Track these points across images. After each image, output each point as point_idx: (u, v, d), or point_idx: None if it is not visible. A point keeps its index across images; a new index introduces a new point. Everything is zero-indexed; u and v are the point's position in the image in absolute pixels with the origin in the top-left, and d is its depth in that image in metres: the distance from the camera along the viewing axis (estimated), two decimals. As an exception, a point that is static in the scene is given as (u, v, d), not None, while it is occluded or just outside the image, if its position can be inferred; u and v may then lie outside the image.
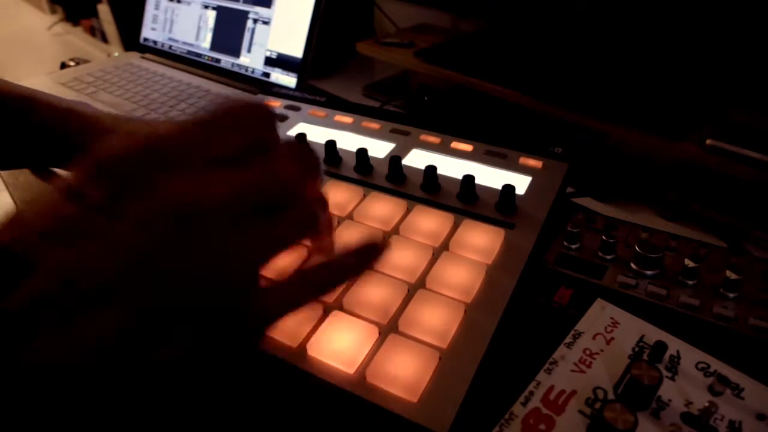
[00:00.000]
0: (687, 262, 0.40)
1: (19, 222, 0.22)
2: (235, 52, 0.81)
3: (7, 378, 0.19)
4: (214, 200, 0.21)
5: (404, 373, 0.33)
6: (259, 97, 0.26)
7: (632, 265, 0.42)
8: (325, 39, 0.74)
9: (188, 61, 0.87)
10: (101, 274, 0.20)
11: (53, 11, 2.91)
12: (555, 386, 0.33)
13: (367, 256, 0.27)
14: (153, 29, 0.93)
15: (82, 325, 0.19)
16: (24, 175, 0.63)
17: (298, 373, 0.34)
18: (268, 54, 0.77)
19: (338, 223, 0.45)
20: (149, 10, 0.94)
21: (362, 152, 0.51)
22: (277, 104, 0.65)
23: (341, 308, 0.38)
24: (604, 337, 0.36)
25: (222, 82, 0.81)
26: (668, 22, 0.65)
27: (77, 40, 2.60)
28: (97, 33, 2.33)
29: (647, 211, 0.60)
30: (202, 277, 0.21)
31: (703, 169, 0.57)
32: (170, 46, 0.91)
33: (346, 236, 0.43)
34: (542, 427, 0.31)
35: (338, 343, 0.35)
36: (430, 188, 0.48)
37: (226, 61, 0.82)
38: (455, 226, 0.44)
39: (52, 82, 0.85)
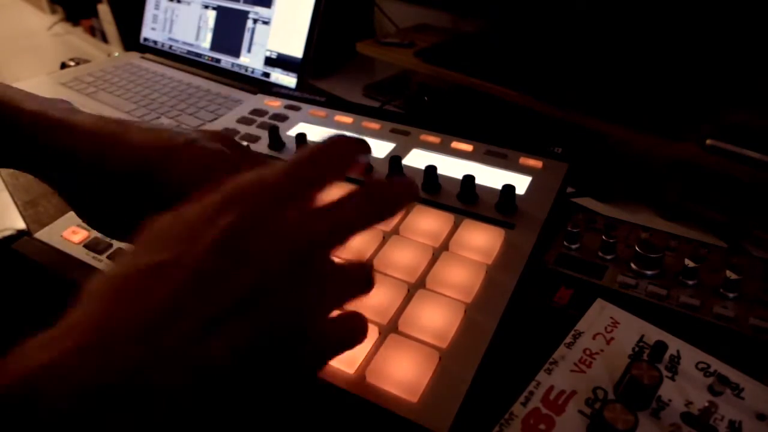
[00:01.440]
0: (687, 262, 0.40)
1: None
2: (235, 52, 0.81)
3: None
4: (323, 236, 0.25)
5: (404, 373, 0.33)
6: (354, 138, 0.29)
7: (632, 265, 0.42)
8: (325, 39, 0.74)
9: (188, 61, 0.87)
10: (240, 290, 0.22)
11: (53, 11, 2.91)
12: (555, 386, 0.33)
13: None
14: (153, 29, 0.93)
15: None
16: (24, 175, 0.63)
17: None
18: (268, 54, 0.77)
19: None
20: (149, 10, 0.94)
21: (362, 152, 0.50)
22: (277, 104, 0.65)
23: (341, 308, 0.37)
24: (604, 337, 0.36)
25: (222, 82, 0.81)
26: (668, 22, 0.65)
27: (77, 40, 2.60)
28: (97, 33, 2.33)
29: (647, 211, 0.60)
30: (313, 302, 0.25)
31: (703, 169, 0.57)
32: (170, 46, 0.91)
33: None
34: (542, 427, 0.31)
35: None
36: (430, 188, 0.48)
37: (226, 61, 0.82)
38: (455, 226, 0.44)
39: (52, 82, 0.85)
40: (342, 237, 0.26)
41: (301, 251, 0.24)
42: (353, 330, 0.28)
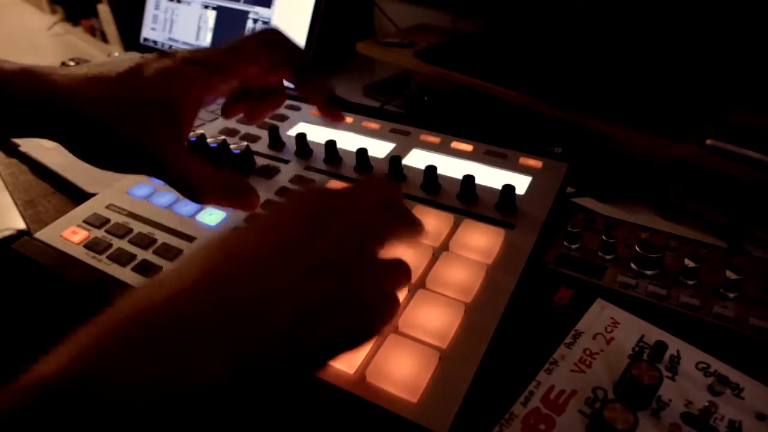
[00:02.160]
0: (687, 262, 0.40)
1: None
2: (235, 52, 0.81)
3: None
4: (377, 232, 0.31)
5: (404, 373, 0.33)
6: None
7: (632, 265, 0.42)
8: (325, 39, 0.74)
9: (188, 61, 0.87)
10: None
11: (53, 11, 2.91)
12: (555, 386, 0.33)
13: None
14: (153, 29, 0.93)
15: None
16: (24, 175, 0.64)
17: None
18: (268, 54, 0.77)
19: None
20: (149, 10, 0.94)
21: (362, 152, 0.51)
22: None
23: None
24: (604, 337, 0.36)
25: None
26: (668, 22, 0.65)
27: (77, 40, 2.60)
28: (97, 33, 2.33)
29: (647, 211, 0.60)
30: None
31: (703, 169, 0.57)
32: (170, 46, 0.90)
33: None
34: (542, 427, 0.31)
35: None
36: (430, 188, 0.48)
37: (226, 61, 0.82)
38: (455, 226, 0.44)
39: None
40: (389, 236, 0.31)
41: (362, 239, 0.29)
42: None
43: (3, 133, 0.38)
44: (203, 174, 0.37)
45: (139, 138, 0.35)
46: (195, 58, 0.37)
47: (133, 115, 0.34)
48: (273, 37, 0.40)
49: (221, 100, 0.43)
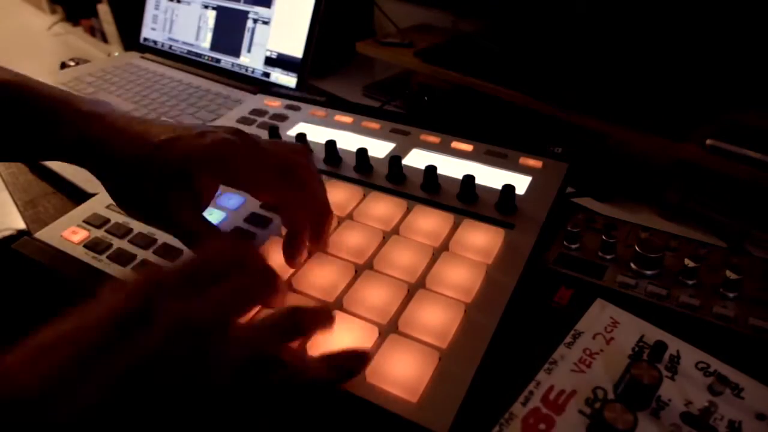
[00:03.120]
0: (687, 262, 0.40)
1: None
2: (235, 52, 0.81)
3: None
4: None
5: (404, 373, 0.33)
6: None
7: (632, 265, 0.42)
8: (325, 39, 0.74)
9: (188, 61, 0.87)
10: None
11: (53, 11, 2.91)
12: (555, 386, 0.33)
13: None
14: (153, 29, 0.93)
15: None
16: (24, 175, 0.63)
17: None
18: (268, 54, 0.77)
19: (339, 223, 0.45)
20: (149, 10, 0.94)
21: (362, 152, 0.51)
22: (277, 104, 0.65)
23: (341, 308, 0.38)
24: (604, 337, 0.36)
25: (222, 82, 0.81)
26: (668, 22, 0.65)
27: (77, 40, 2.60)
28: (97, 33, 2.33)
29: (647, 211, 0.60)
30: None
31: (703, 169, 0.57)
32: (170, 46, 0.91)
33: (346, 237, 0.43)
34: (542, 427, 0.31)
35: (338, 343, 0.35)
36: (430, 188, 0.48)
37: (226, 61, 0.82)
38: (455, 226, 0.44)
39: (52, 82, 0.84)
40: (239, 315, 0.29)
41: (198, 334, 0.26)
42: None
43: (42, 157, 0.44)
44: (212, 236, 0.38)
45: (163, 203, 0.37)
46: (221, 149, 0.37)
47: (160, 183, 0.37)
48: (297, 171, 0.39)
49: None
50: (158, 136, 0.37)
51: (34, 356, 0.23)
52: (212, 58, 0.84)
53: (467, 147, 0.53)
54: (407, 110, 0.85)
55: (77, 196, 0.56)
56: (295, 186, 0.38)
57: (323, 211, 0.41)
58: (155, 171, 0.36)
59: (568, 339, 0.36)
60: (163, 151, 0.37)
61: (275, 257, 0.40)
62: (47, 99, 0.39)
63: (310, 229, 0.40)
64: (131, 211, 0.41)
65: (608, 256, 0.43)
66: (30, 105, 0.39)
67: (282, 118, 0.62)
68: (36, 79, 0.41)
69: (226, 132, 0.38)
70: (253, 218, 0.47)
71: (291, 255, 0.40)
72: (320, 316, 0.32)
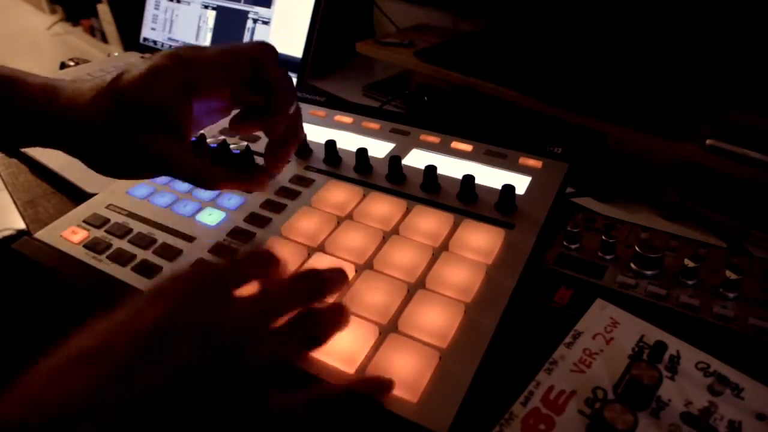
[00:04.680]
0: (687, 262, 0.40)
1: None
2: (235, 52, 0.81)
3: None
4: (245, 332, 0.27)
5: (404, 373, 0.33)
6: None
7: (632, 265, 0.42)
8: (325, 39, 0.74)
9: (188, 61, 0.87)
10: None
11: (53, 11, 2.91)
12: (555, 386, 0.33)
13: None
14: (153, 29, 0.93)
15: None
16: (24, 175, 0.64)
17: (298, 373, 0.34)
18: (268, 54, 0.77)
19: (338, 223, 0.45)
20: (149, 10, 0.94)
21: (362, 152, 0.51)
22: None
23: (341, 308, 0.37)
24: (604, 337, 0.36)
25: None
26: (668, 22, 0.65)
27: (77, 40, 2.60)
28: (96, 33, 2.33)
29: (647, 211, 0.60)
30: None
31: (703, 169, 0.57)
32: (170, 46, 0.90)
33: (346, 237, 0.43)
34: (542, 427, 0.31)
35: (338, 343, 0.34)
36: (430, 188, 0.48)
37: (226, 61, 0.82)
38: (455, 226, 0.44)
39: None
40: (265, 325, 0.28)
41: (222, 347, 0.25)
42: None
43: (18, 143, 0.41)
44: (209, 165, 0.38)
45: (145, 145, 0.35)
46: (173, 55, 0.36)
47: (131, 124, 0.35)
48: (261, 56, 0.37)
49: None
50: (108, 78, 0.36)
51: (70, 371, 0.23)
52: (212, 58, 0.84)
53: (467, 147, 0.53)
54: (407, 110, 0.85)
55: (77, 196, 0.56)
56: (267, 87, 0.37)
57: (296, 107, 0.40)
58: (122, 116, 0.35)
59: (568, 339, 0.36)
60: (117, 91, 0.35)
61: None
62: (36, 88, 0.38)
63: (286, 130, 0.40)
64: (118, 172, 0.38)
65: (608, 256, 0.43)
66: (22, 96, 0.38)
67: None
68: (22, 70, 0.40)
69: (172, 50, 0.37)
70: (253, 218, 0.47)
71: (277, 160, 0.40)
72: (336, 317, 0.31)
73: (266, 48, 0.38)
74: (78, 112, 0.36)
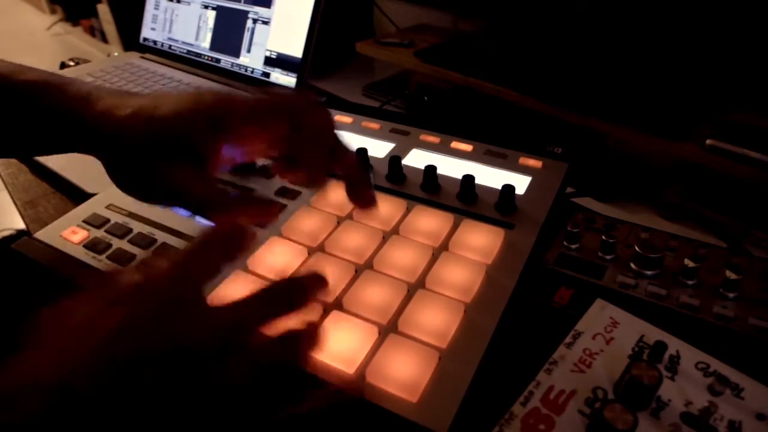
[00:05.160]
0: (687, 262, 0.40)
1: None
2: (235, 52, 0.81)
3: None
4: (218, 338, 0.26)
5: (404, 373, 0.33)
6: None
7: (632, 265, 0.42)
8: (325, 39, 0.74)
9: (188, 61, 0.87)
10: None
11: (53, 11, 2.91)
12: (555, 386, 0.33)
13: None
14: (153, 29, 0.93)
15: None
16: (24, 175, 0.63)
17: (298, 373, 0.34)
18: (267, 54, 0.77)
19: (338, 223, 0.45)
20: (149, 10, 0.94)
21: (362, 152, 0.51)
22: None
23: (341, 308, 0.38)
24: (604, 337, 0.36)
25: (222, 82, 0.81)
26: (668, 22, 0.65)
27: (77, 40, 2.60)
28: (96, 33, 2.33)
29: (647, 211, 0.60)
30: None
31: (703, 169, 0.57)
32: (170, 46, 0.90)
33: (346, 237, 0.43)
34: (542, 427, 0.31)
35: (338, 343, 0.35)
36: (430, 188, 0.48)
37: (225, 61, 0.82)
38: (455, 226, 0.43)
39: (52, 82, 0.84)
40: (242, 336, 0.26)
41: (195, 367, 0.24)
42: None
43: (41, 148, 0.42)
44: (219, 192, 0.36)
45: (164, 174, 0.35)
46: (209, 98, 0.35)
47: (156, 152, 0.35)
48: (298, 108, 0.36)
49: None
50: (140, 104, 0.36)
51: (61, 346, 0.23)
52: (212, 58, 0.84)
53: (467, 147, 0.53)
54: (407, 110, 0.85)
55: (77, 196, 0.56)
56: (303, 139, 0.36)
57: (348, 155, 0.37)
58: (149, 139, 0.34)
59: (568, 339, 0.36)
60: (151, 117, 0.35)
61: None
62: (31, 84, 0.38)
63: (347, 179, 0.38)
64: (137, 193, 0.38)
65: (608, 256, 0.43)
66: (17, 94, 0.38)
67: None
68: (18, 63, 0.40)
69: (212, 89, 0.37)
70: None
71: (356, 196, 0.38)
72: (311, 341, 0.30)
73: (303, 98, 0.37)
74: (112, 124, 0.35)
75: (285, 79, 0.75)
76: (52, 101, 0.37)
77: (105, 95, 0.37)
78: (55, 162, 0.62)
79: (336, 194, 0.47)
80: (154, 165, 0.35)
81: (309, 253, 0.42)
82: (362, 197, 0.38)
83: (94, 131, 0.36)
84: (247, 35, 0.80)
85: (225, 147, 0.36)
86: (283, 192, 0.49)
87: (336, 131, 0.37)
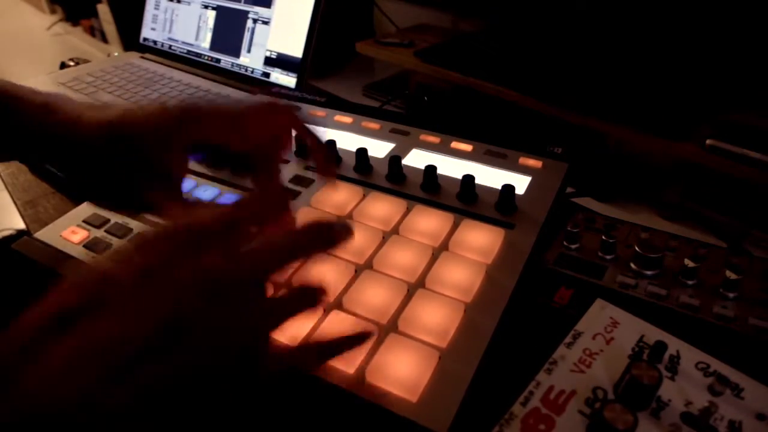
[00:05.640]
0: (687, 262, 0.40)
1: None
2: (235, 52, 0.81)
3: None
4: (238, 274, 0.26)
5: (404, 372, 0.33)
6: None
7: (632, 265, 0.42)
8: (325, 39, 0.74)
9: (188, 61, 0.87)
10: (138, 339, 0.22)
11: (53, 11, 2.91)
12: (555, 386, 0.33)
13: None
14: (153, 29, 0.93)
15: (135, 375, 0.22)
16: (24, 175, 0.63)
17: (298, 373, 0.34)
18: (267, 54, 0.77)
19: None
20: (149, 10, 0.94)
21: (362, 152, 0.51)
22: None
23: (341, 308, 0.38)
24: (604, 337, 0.36)
25: (222, 82, 0.81)
26: (668, 22, 0.65)
27: (77, 40, 2.60)
28: (96, 33, 2.33)
29: (647, 211, 0.60)
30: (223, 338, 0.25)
31: (703, 169, 0.57)
32: (170, 46, 0.90)
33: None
34: (542, 427, 0.31)
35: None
36: (429, 188, 0.48)
37: (225, 61, 0.82)
38: (455, 226, 0.43)
39: (52, 82, 0.85)
40: (267, 272, 0.27)
41: (211, 293, 0.24)
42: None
43: (13, 155, 0.42)
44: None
45: (129, 185, 0.36)
46: (179, 111, 0.36)
47: (123, 163, 0.35)
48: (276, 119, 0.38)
49: None
50: (111, 116, 0.36)
51: (68, 364, 0.22)
52: (212, 58, 0.84)
53: (467, 147, 0.53)
54: (407, 110, 0.85)
55: (77, 196, 0.56)
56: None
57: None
58: (114, 150, 0.35)
59: (568, 339, 0.36)
60: (118, 128, 0.35)
61: None
62: (33, 105, 0.39)
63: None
64: (100, 201, 0.39)
65: (608, 256, 0.43)
66: (17, 113, 0.38)
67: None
68: (19, 84, 0.41)
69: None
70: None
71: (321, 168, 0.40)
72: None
73: (266, 107, 0.38)
74: (79, 132, 0.36)
75: (285, 79, 0.75)
76: (12, 109, 0.38)
77: (62, 104, 0.38)
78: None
79: (336, 194, 0.47)
80: (120, 175, 0.35)
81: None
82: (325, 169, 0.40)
83: (56, 138, 0.37)
84: (247, 35, 0.80)
85: (192, 143, 0.36)
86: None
87: (304, 125, 0.39)
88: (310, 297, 0.29)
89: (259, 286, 0.27)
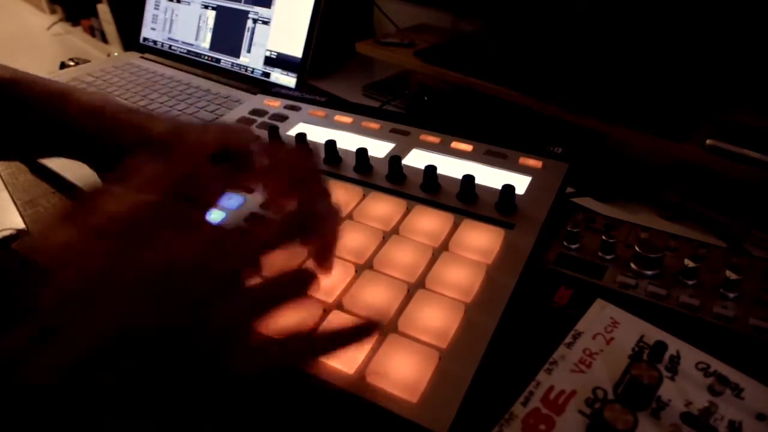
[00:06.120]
0: (687, 262, 0.40)
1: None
2: (235, 52, 0.81)
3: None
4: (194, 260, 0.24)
5: (404, 373, 0.33)
6: None
7: (632, 265, 0.42)
8: (325, 39, 0.74)
9: (188, 61, 0.87)
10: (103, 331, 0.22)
11: (53, 11, 2.91)
12: (555, 386, 0.33)
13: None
14: (153, 29, 0.93)
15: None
16: (24, 175, 0.63)
17: (298, 374, 0.34)
18: (267, 54, 0.77)
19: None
20: (149, 10, 0.94)
21: (362, 152, 0.51)
22: (276, 104, 0.65)
23: (341, 308, 0.38)
24: (604, 337, 0.36)
25: (222, 82, 0.81)
26: (668, 22, 0.65)
27: (77, 40, 2.60)
28: (96, 33, 2.33)
29: (647, 211, 0.60)
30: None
31: (703, 169, 0.57)
32: (170, 46, 0.90)
33: (346, 237, 0.43)
34: (542, 427, 0.31)
35: (338, 343, 0.35)
36: (430, 188, 0.48)
37: (225, 61, 0.82)
38: (455, 226, 0.43)
39: (52, 82, 0.84)
40: (241, 257, 0.25)
41: (164, 290, 0.23)
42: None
43: (41, 154, 0.44)
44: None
45: None
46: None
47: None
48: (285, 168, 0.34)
49: None
50: (157, 129, 0.37)
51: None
52: (212, 58, 0.84)
53: (467, 147, 0.53)
54: (407, 110, 0.85)
55: (77, 196, 0.56)
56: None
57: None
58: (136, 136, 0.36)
59: (568, 339, 0.36)
60: (164, 144, 0.36)
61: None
62: (44, 94, 0.39)
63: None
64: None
65: (608, 256, 0.43)
66: (27, 102, 0.39)
67: (282, 118, 0.62)
68: (31, 73, 0.41)
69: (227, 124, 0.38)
70: (253, 218, 0.47)
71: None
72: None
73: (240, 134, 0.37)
74: (120, 141, 0.37)
75: (285, 79, 0.75)
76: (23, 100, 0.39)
77: (80, 95, 0.39)
78: (55, 162, 0.62)
79: (336, 194, 0.47)
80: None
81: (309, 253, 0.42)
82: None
83: (102, 141, 0.38)
84: (247, 35, 0.80)
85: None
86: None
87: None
88: (298, 283, 0.27)
89: (232, 275, 0.25)
